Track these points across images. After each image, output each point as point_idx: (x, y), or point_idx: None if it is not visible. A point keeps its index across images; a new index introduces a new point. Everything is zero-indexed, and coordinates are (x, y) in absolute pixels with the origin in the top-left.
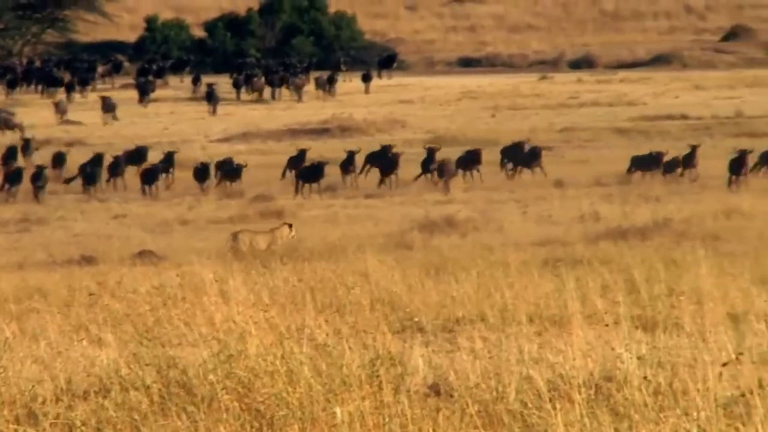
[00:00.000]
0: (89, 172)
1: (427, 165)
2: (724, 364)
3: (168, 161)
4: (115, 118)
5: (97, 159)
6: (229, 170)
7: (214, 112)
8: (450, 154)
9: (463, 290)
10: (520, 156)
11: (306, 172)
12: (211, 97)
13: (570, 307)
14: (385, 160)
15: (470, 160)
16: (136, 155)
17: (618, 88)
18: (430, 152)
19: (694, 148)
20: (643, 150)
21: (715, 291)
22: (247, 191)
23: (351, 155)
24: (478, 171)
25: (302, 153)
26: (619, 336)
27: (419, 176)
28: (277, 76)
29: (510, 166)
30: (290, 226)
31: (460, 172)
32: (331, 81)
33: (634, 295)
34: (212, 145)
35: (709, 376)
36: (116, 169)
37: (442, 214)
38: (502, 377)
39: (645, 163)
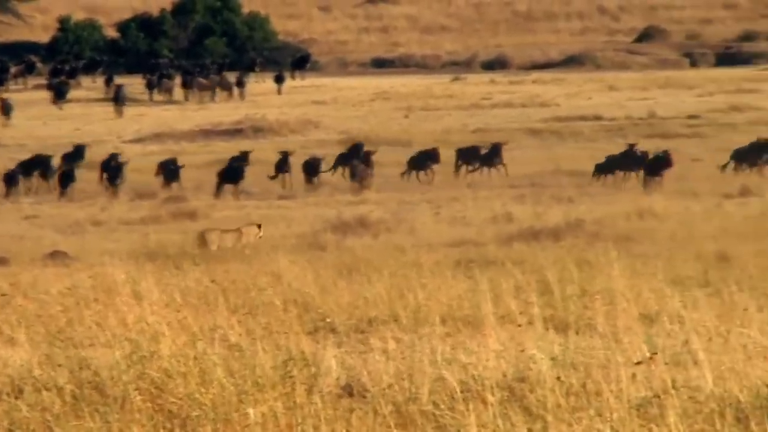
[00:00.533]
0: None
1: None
2: (638, 363)
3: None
4: (8, 119)
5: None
6: (169, 171)
7: (120, 113)
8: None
9: (375, 291)
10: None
11: (226, 173)
12: (117, 98)
13: (483, 308)
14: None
15: (426, 159)
16: (76, 155)
17: (531, 89)
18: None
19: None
20: (557, 151)
21: (627, 292)
22: (160, 192)
23: (285, 156)
24: (431, 171)
25: (285, 155)
26: (532, 337)
27: (331, 170)
28: (191, 77)
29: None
30: (259, 226)
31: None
32: (240, 83)
33: (546, 296)
34: (125, 146)
35: (622, 376)
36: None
37: (354, 215)
38: (415, 378)
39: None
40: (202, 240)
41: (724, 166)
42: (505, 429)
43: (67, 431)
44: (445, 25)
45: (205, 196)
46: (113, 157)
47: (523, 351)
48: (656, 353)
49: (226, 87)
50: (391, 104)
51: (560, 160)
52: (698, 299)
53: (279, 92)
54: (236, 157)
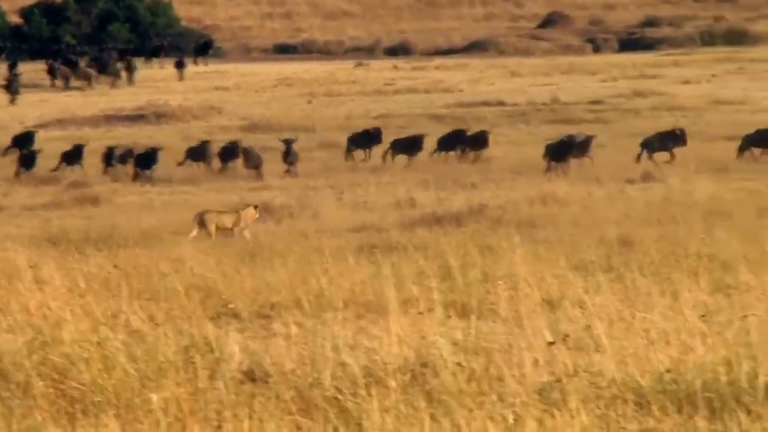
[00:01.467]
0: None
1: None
2: (551, 343)
3: None
4: None
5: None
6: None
7: (14, 101)
8: (266, 141)
9: (278, 277)
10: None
11: (140, 158)
12: (10, 87)
13: (385, 293)
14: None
15: (412, 145)
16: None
17: (434, 75)
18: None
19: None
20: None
21: (530, 277)
22: (62, 177)
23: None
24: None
25: (288, 143)
26: (435, 322)
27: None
28: (94, 62)
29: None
30: (255, 207)
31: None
32: (130, 68)
33: (449, 281)
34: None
35: (525, 362)
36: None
37: (257, 200)
38: (317, 363)
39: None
40: (201, 221)
41: (638, 156)
42: (408, 414)
43: None
44: (347, 11)
45: (107, 182)
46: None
47: (425, 336)
48: (562, 338)
49: (112, 73)
50: (294, 90)
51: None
52: (601, 284)
53: (180, 78)
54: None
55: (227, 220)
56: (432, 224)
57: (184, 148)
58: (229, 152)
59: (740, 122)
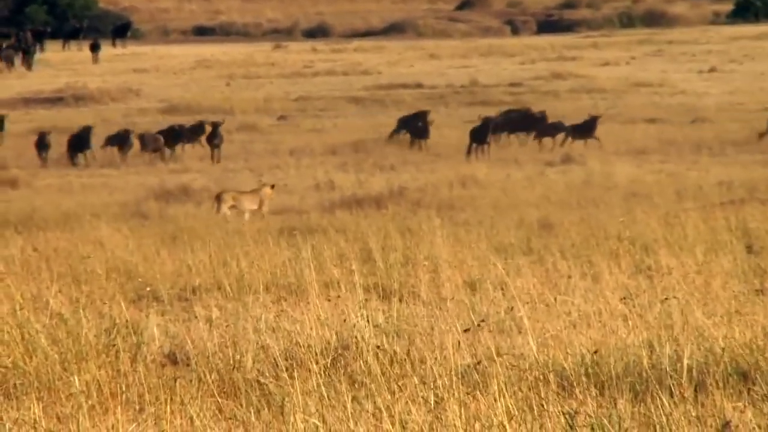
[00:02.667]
0: None
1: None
2: (466, 330)
3: None
4: None
5: None
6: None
7: None
8: (185, 122)
9: (199, 259)
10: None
11: (73, 141)
12: None
13: (306, 275)
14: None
15: (482, 132)
16: None
17: (352, 57)
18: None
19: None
20: (380, 119)
21: (451, 259)
22: None
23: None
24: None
25: (215, 125)
26: (356, 305)
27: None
28: (12, 44)
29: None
30: (272, 186)
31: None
32: (27, 52)
33: (370, 263)
34: None
35: (447, 344)
36: None
37: (177, 183)
38: (239, 346)
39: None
40: (218, 201)
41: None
42: (329, 397)
43: None
44: None
45: (26, 165)
46: None
47: (346, 319)
48: (483, 320)
49: (7, 59)
50: (212, 72)
51: (382, 128)
52: (522, 267)
53: (94, 61)
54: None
55: (245, 200)
56: (352, 207)
57: (103, 130)
58: (122, 139)
59: (659, 104)
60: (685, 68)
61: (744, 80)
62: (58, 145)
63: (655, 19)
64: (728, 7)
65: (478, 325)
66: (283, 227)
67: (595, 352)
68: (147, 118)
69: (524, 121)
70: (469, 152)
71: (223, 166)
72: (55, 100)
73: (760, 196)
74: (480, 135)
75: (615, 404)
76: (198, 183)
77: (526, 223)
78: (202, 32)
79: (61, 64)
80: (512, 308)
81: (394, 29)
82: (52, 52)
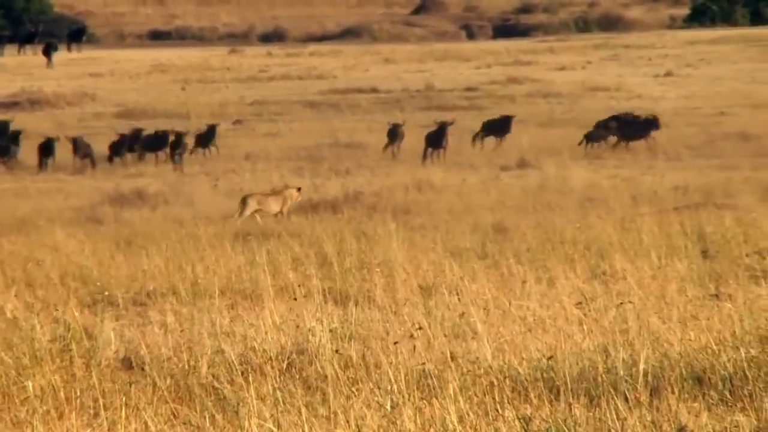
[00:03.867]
0: None
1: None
2: (411, 336)
3: None
4: None
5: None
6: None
7: None
8: (141, 126)
9: (154, 264)
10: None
11: (40, 148)
12: None
13: (261, 280)
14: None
15: (438, 136)
16: None
17: (308, 62)
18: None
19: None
20: (335, 123)
21: (406, 264)
22: None
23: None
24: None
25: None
26: (311, 309)
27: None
28: None
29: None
30: (298, 189)
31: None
32: None
33: (325, 268)
34: None
35: (402, 348)
36: None
37: (132, 187)
38: (194, 351)
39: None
40: (244, 203)
41: (474, 138)
42: (284, 402)
43: None
44: None
45: None
46: None
47: (302, 324)
48: (413, 336)
49: None
50: (168, 77)
51: (338, 133)
52: (477, 271)
53: (48, 65)
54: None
55: (272, 203)
56: (308, 211)
57: (59, 135)
58: (47, 147)
59: (615, 109)
60: (641, 72)
61: (700, 85)
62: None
63: (611, 24)
64: (684, 11)
65: (419, 328)
66: (238, 232)
67: (550, 357)
68: (102, 122)
69: (634, 126)
70: (425, 157)
71: (178, 169)
72: (11, 104)
73: (715, 200)
74: (436, 139)
75: (570, 409)
76: (153, 187)
77: (482, 228)
78: (157, 36)
79: (16, 68)
80: (463, 313)
81: (349, 34)
82: (7, 56)
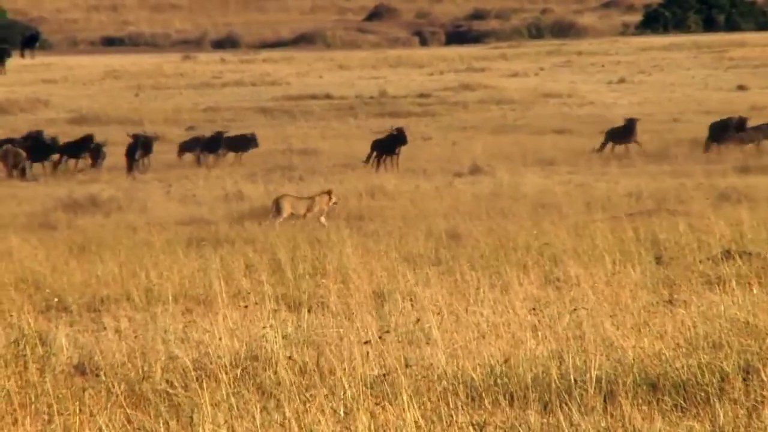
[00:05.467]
0: None
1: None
2: (366, 342)
3: None
4: None
5: None
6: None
7: None
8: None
9: (108, 270)
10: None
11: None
12: None
13: (215, 286)
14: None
15: (390, 143)
16: None
17: (261, 68)
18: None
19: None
20: (288, 130)
21: (360, 270)
22: None
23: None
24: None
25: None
26: (265, 315)
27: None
28: None
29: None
30: (329, 192)
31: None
32: None
33: (278, 274)
34: None
35: (356, 354)
36: None
37: (85, 193)
38: (148, 357)
39: None
40: (277, 206)
41: (601, 147)
42: (239, 407)
43: None
44: (174, 4)
45: None
46: None
47: (256, 330)
48: (388, 331)
49: None
50: (121, 83)
51: (291, 139)
52: (430, 277)
53: (1, 72)
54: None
55: (302, 206)
56: (261, 217)
57: None
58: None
59: (568, 115)
60: (594, 79)
61: (653, 91)
62: None
63: (564, 30)
64: (637, 18)
65: (380, 337)
66: (191, 238)
67: (505, 361)
68: (55, 128)
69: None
70: (367, 160)
71: (132, 176)
72: None
73: (668, 207)
74: (388, 146)
75: (524, 415)
76: (106, 193)
77: (435, 234)
78: (110, 43)
79: None
80: (419, 319)
81: (303, 40)
82: None
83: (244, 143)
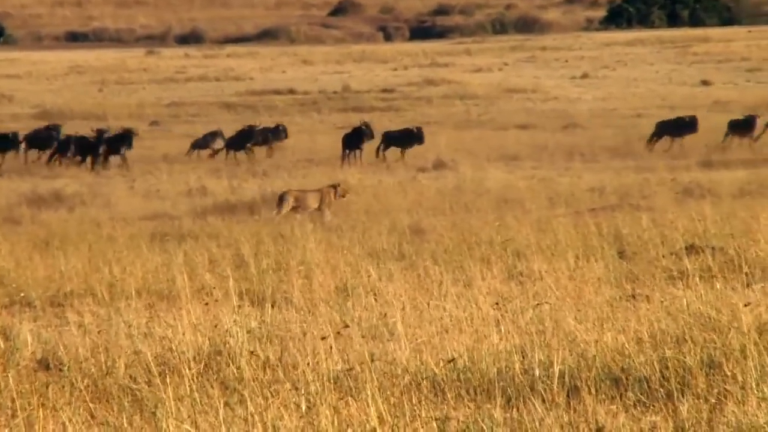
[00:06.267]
0: None
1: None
2: (324, 338)
3: None
4: None
5: None
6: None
7: None
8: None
9: (71, 265)
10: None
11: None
12: None
13: (178, 281)
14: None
15: (356, 137)
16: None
17: (225, 63)
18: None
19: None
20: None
21: (324, 265)
22: None
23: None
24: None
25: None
26: (229, 310)
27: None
28: None
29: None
30: (335, 186)
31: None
32: None
33: (242, 269)
34: None
35: (319, 349)
36: None
37: (49, 188)
38: (111, 352)
39: None
40: (280, 199)
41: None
42: (202, 402)
43: None
44: None
45: None
46: None
47: (219, 325)
48: (348, 326)
49: None
50: (85, 78)
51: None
52: (394, 272)
53: None
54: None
55: (309, 200)
56: (224, 212)
57: None
58: None
59: (532, 110)
60: (558, 74)
61: (616, 86)
62: None
63: (527, 26)
64: (601, 13)
65: (338, 333)
66: (155, 233)
67: (453, 361)
68: (19, 123)
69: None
70: (343, 158)
71: (95, 171)
72: None
73: (631, 201)
74: (354, 141)
75: (487, 410)
76: (70, 189)
77: (399, 229)
78: (75, 38)
79: None
80: (385, 314)
81: (267, 35)
82: None
83: (275, 134)
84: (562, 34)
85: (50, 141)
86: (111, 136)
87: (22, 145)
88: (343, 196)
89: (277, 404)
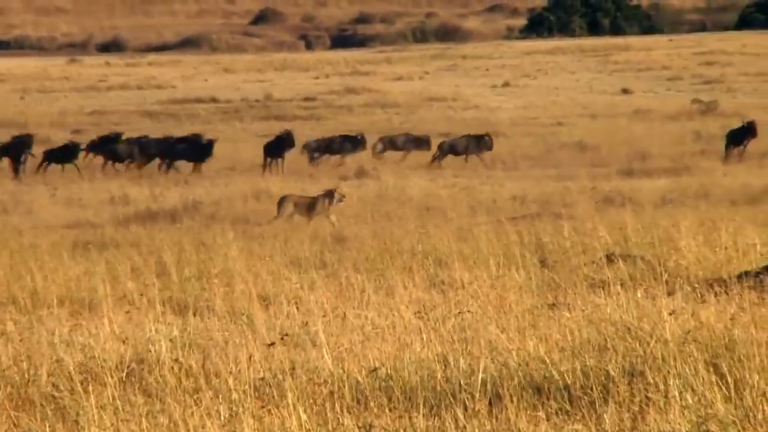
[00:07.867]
0: None
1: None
2: (271, 344)
3: None
4: None
5: None
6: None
7: None
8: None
9: None
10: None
11: None
12: None
13: (100, 290)
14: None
15: (278, 146)
16: None
17: (147, 71)
18: None
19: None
20: (174, 133)
21: (246, 273)
22: None
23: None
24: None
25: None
26: (151, 318)
27: None
28: None
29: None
30: (332, 191)
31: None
32: None
33: (164, 277)
34: None
35: (241, 358)
36: None
37: None
38: (33, 360)
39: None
40: (281, 205)
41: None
42: (125, 411)
43: None
44: (60, 7)
45: None
46: None
47: (142, 333)
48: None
49: None
50: (6, 86)
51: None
52: (316, 280)
53: None
54: None
55: (306, 206)
56: (146, 221)
57: None
58: None
59: (453, 119)
60: (479, 83)
61: (537, 95)
62: None
63: (448, 34)
64: (522, 21)
65: (282, 338)
66: (77, 241)
67: (378, 367)
68: None
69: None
70: (264, 166)
71: (17, 180)
72: None
73: (553, 210)
74: (275, 149)
75: (410, 418)
76: None
77: (321, 237)
78: None
79: None
80: (307, 322)
81: (188, 43)
82: None
83: (354, 144)
84: (482, 43)
85: None
86: (54, 149)
87: None
88: (341, 201)
89: (199, 412)
